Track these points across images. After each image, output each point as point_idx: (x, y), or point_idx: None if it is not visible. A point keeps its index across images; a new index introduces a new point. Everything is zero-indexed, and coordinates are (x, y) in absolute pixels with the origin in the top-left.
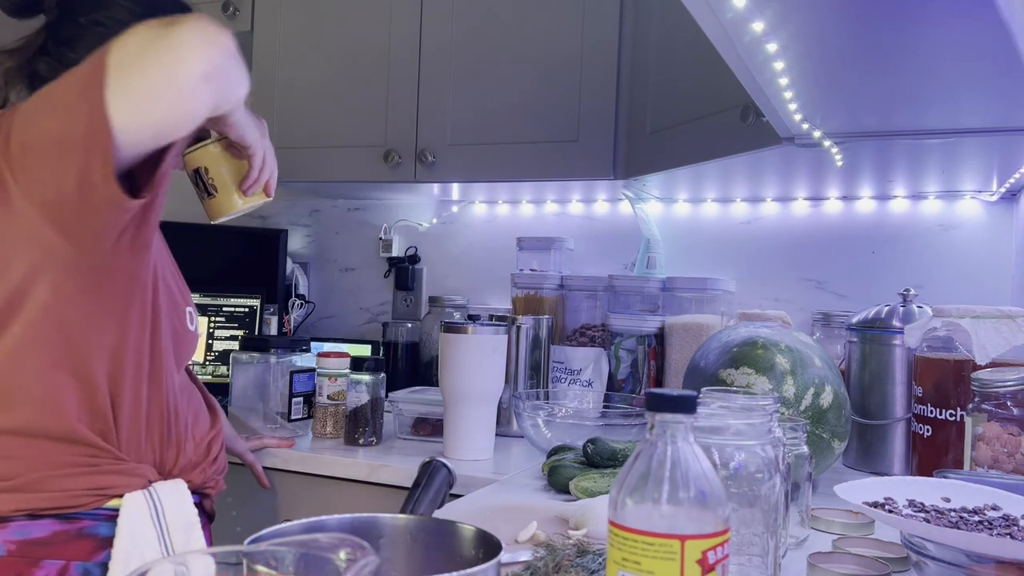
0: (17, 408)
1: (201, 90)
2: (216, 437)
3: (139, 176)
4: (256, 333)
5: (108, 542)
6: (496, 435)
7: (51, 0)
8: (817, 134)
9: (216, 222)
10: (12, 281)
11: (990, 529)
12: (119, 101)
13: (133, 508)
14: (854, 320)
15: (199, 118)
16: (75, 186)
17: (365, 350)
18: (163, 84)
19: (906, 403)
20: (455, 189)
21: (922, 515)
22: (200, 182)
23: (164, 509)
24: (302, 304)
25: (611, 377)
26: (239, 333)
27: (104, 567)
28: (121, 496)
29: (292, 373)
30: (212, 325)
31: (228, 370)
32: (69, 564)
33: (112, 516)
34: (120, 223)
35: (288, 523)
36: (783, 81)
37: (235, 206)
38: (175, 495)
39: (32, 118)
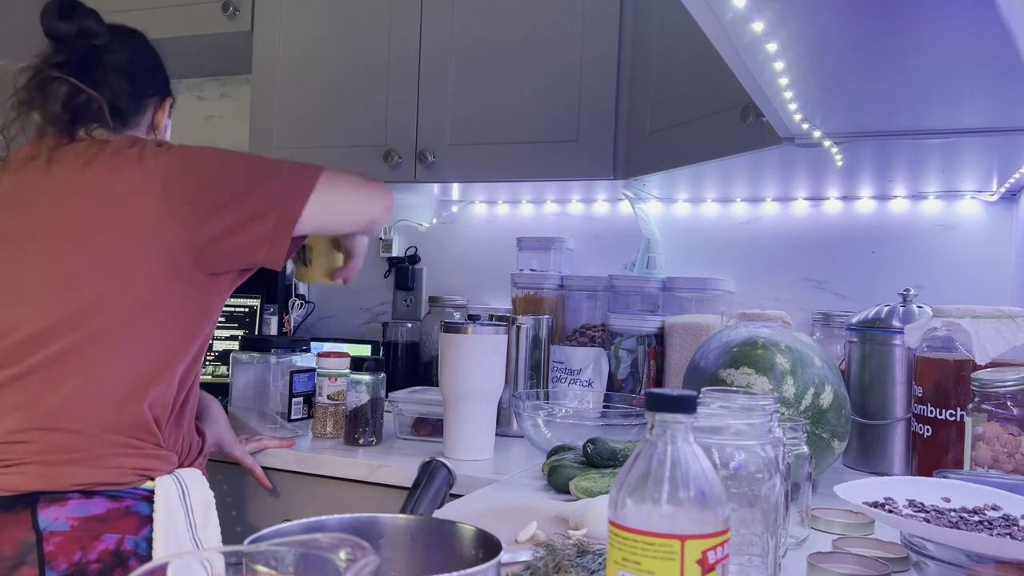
0: (104, 381)
1: (362, 225)
2: (201, 431)
3: None
4: (256, 333)
5: (147, 519)
6: (496, 435)
7: (101, 36)
8: (817, 134)
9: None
10: (128, 273)
11: (990, 529)
12: (314, 206)
13: (166, 489)
14: (854, 320)
15: (347, 234)
16: (248, 237)
17: (365, 350)
18: (349, 211)
19: (906, 403)
20: (455, 189)
21: (922, 515)
22: (301, 251)
23: (189, 491)
24: (302, 304)
25: (611, 377)
26: (239, 333)
27: (148, 540)
28: (153, 479)
29: (292, 373)
30: None
31: (228, 370)
32: (124, 538)
33: (147, 496)
34: (246, 267)
35: (288, 523)
36: (783, 81)
37: (317, 281)
38: (194, 479)
39: (220, 178)
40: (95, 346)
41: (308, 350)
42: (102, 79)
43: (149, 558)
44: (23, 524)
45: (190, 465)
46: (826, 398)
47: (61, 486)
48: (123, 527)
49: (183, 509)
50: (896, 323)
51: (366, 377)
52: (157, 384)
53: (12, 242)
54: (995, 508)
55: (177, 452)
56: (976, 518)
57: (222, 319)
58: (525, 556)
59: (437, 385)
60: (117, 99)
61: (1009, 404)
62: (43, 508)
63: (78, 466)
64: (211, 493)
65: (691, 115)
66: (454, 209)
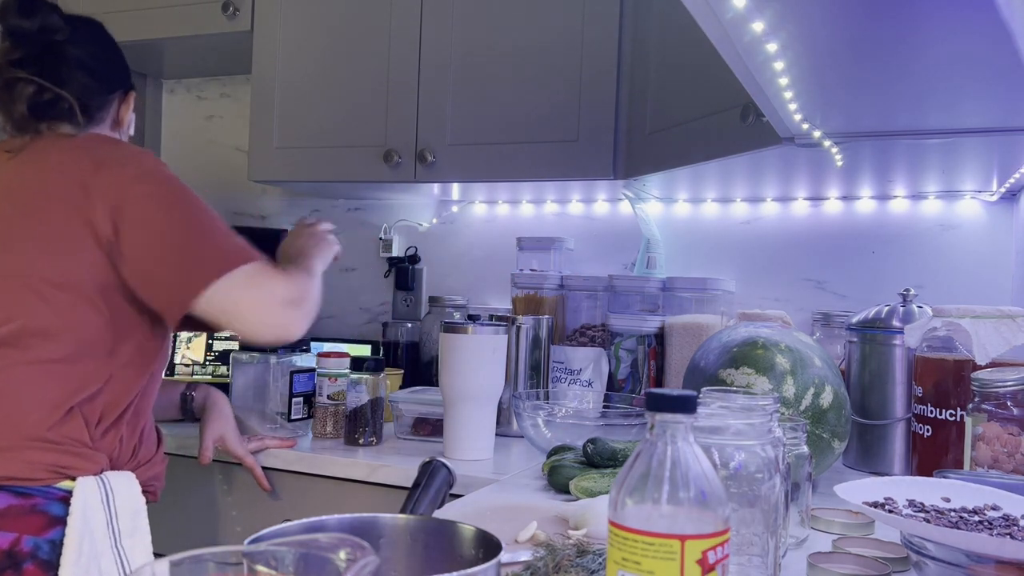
0: (27, 377)
1: (257, 336)
2: (160, 451)
3: None
4: None
5: (58, 520)
6: (496, 435)
7: (62, 32)
8: (817, 134)
9: None
10: (59, 281)
11: (990, 529)
12: (216, 294)
13: (86, 490)
14: (854, 320)
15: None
16: (153, 288)
17: (365, 350)
18: (246, 318)
19: (906, 403)
20: (455, 189)
21: (922, 515)
22: None
23: (115, 495)
24: None
25: (611, 377)
26: None
27: (52, 544)
28: (74, 479)
29: (292, 373)
30: None
31: (228, 370)
32: (21, 537)
33: (63, 497)
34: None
35: (288, 523)
36: (783, 81)
37: None
38: (124, 483)
39: (163, 238)
40: (20, 343)
41: (308, 350)
42: (67, 76)
43: (52, 564)
44: None
45: (129, 469)
46: (826, 398)
47: None
48: (22, 526)
49: (105, 514)
50: (896, 323)
51: (366, 377)
52: (84, 390)
53: None
54: (995, 508)
55: (109, 454)
56: (976, 518)
57: None
58: (525, 556)
59: (437, 385)
60: (83, 96)
61: (1009, 404)
62: None
63: None
64: (143, 499)
65: (691, 115)
66: (454, 209)
